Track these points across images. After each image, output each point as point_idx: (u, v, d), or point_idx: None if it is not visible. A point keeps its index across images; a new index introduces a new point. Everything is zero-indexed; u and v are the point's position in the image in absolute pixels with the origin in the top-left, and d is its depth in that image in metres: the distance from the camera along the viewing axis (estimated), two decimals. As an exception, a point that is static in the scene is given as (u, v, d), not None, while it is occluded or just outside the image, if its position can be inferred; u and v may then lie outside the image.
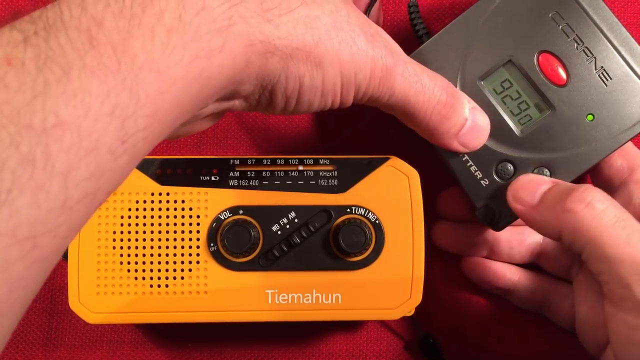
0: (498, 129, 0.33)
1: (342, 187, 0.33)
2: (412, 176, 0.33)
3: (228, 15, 0.22)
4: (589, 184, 0.30)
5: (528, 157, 0.33)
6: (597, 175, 0.35)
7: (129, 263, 0.32)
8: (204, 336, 0.39)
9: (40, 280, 0.20)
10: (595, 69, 0.32)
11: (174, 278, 0.32)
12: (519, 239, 0.37)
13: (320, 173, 0.33)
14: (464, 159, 0.33)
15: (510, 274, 0.37)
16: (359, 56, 0.27)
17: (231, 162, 0.33)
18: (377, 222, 0.32)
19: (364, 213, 0.32)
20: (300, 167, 0.33)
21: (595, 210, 0.29)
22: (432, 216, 0.38)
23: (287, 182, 0.33)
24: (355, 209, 0.33)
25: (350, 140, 0.40)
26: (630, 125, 0.32)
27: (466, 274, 0.38)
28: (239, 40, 0.23)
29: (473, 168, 0.34)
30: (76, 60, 0.19)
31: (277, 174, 0.33)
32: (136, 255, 0.32)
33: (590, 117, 0.32)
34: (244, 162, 0.33)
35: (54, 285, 0.39)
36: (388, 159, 0.33)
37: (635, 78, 0.32)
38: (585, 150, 0.33)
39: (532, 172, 0.33)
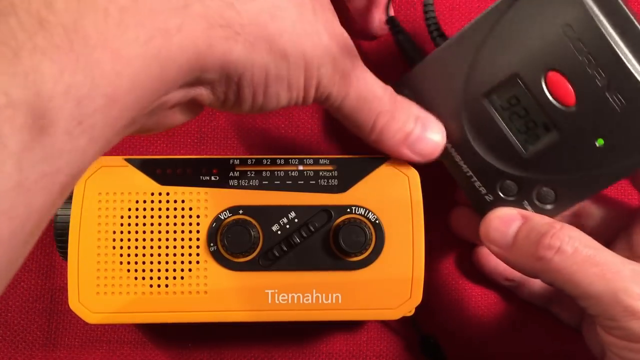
0: (502, 147, 0.32)
1: (342, 187, 0.33)
2: (412, 176, 0.33)
3: None
4: (556, 223, 0.30)
5: (532, 177, 0.32)
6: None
7: (129, 263, 0.32)
8: (204, 336, 0.39)
9: (2, 265, 0.20)
10: (608, 91, 0.28)
11: (174, 278, 0.32)
12: None
13: (320, 173, 0.33)
14: (468, 174, 0.33)
15: None
16: (321, 51, 0.27)
17: (231, 162, 0.33)
18: (377, 222, 0.32)
19: (364, 213, 0.32)
20: (300, 167, 0.33)
21: (565, 253, 0.29)
22: (432, 215, 0.38)
23: (287, 182, 0.33)
24: (355, 209, 0.33)
25: (350, 140, 0.40)
26: None
27: (477, 264, 0.38)
28: (198, 21, 0.23)
29: (477, 184, 0.33)
30: (26, 41, 0.19)
31: (277, 174, 0.33)
32: (136, 255, 0.32)
33: (600, 141, 0.29)
34: (244, 162, 0.33)
35: (54, 285, 0.39)
36: (388, 158, 0.33)
37: None
38: (592, 176, 0.30)
39: (536, 192, 0.32)
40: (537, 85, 0.30)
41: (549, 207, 0.32)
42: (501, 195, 0.33)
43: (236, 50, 0.24)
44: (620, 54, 0.28)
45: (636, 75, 0.28)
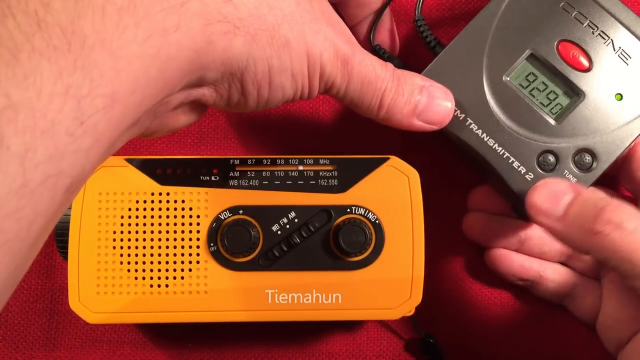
0: (532, 121, 0.34)
1: (342, 187, 0.33)
2: (412, 176, 0.33)
3: None
4: (614, 200, 0.29)
5: (567, 145, 0.33)
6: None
7: (129, 263, 0.32)
8: (204, 336, 0.39)
9: (10, 267, 0.20)
10: (614, 50, 0.33)
11: (174, 278, 0.32)
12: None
13: (320, 173, 0.33)
14: (504, 156, 0.34)
15: (537, 266, 0.37)
16: (322, 37, 0.27)
17: (231, 162, 0.33)
18: (377, 222, 0.32)
19: (364, 213, 0.32)
20: (300, 167, 0.33)
21: (625, 230, 0.28)
22: (431, 216, 0.38)
23: (287, 182, 0.33)
24: (355, 209, 0.33)
25: (350, 140, 0.40)
26: None
27: (491, 265, 0.38)
28: (195, 19, 0.23)
29: (515, 164, 0.34)
30: (24, 43, 0.19)
31: (277, 174, 0.33)
32: (136, 255, 0.32)
33: (618, 96, 0.33)
34: (244, 162, 0.33)
35: (54, 285, 0.39)
36: (388, 159, 0.33)
37: None
38: (620, 129, 0.33)
39: (574, 158, 0.33)
40: (552, 56, 0.34)
41: (589, 170, 0.33)
42: (540, 171, 0.33)
43: (237, 45, 0.24)
44: (614, 19, 0.33)
45: (630, 33, 0.33)
